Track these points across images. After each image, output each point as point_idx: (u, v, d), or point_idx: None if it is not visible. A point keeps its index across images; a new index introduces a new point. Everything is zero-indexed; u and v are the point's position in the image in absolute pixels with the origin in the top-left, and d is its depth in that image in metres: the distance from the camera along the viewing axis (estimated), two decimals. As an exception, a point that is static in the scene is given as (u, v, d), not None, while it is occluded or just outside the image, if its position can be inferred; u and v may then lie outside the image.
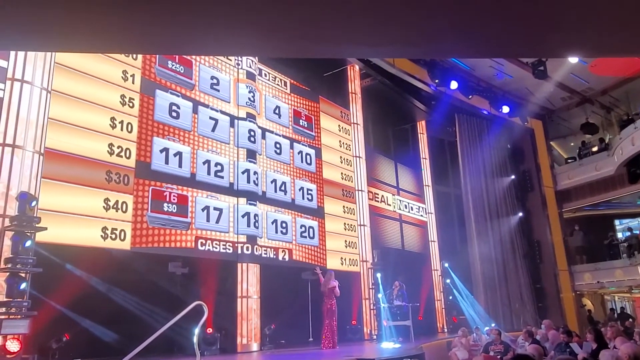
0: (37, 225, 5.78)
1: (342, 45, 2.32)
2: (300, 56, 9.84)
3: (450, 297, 13.47)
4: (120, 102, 7.45)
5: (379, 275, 10.92)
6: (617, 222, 17.25)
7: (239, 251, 8.59)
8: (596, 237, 16.00)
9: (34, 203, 5.85)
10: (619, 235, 16.53)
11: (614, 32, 2.02)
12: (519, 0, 1.79)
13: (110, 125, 7.24)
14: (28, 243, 5.67)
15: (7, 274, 5.58)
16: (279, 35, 2.10)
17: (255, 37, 2.11)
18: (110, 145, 7.18)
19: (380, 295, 10.83)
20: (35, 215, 5.81)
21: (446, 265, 13.74)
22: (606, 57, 11.28)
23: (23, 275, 5.63)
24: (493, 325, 11.10)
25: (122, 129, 7.37)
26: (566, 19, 1.91)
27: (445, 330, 13.07)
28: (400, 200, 13.62)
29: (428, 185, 14.80)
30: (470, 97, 13.62)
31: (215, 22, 1.90)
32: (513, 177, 15.82)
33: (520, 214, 15.52)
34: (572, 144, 17.22)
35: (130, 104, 7.58)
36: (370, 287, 10.97)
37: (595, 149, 15.43)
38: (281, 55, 9.45)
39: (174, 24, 1.94)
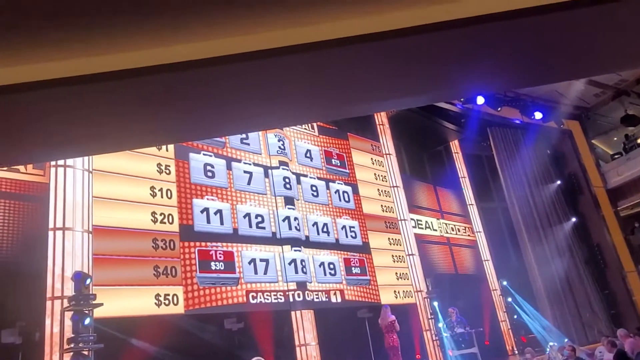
0: (93, 302, 5.96)
1: (372, 103, 2.40)
2: (331, 119, 10.14)
3: (515, 317, 12.88)
4: (157, 170, 7.72)
5: (436, 303, 10.63)
6: (679, 212, 16.32)
7: (291, 299, 8.57)
8: (660, 231, 15.13)
9: (88, 281, 6.05)
10: (684, 226, 15.61)
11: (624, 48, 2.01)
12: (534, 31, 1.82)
13: (150, 194, 7.49)
14: (87, 321, 5.84)
15: (71, 354, 5.74)
16: (307, 106, 2.18)
17: (286, 112, 2.20)
18: (153, 213, 7.41)
19: (440, 325, 10.52)
20: (90, 292, 6.00)
21: (505, 283, 13.21)
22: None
23: (86, 353, 5.78)
24: (566, 341, 10.54)
25: (162, 196, 7.61)
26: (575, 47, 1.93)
27: (516, 351, 12.47)
28: (446, 224, 13.36)
29: (472, 204, 14.47)
30: (499, 109, 13.44)
31: (248, 105, 2.00)
32: (559, 182, 15.30)
33: (574, 219, 14.91)
34: (615, 138, 16.58)
35: (167, 171, 7.85)
36: (429, 317, 10.67)
37: (640, 140, 14.83)
38: (311, 122, 9.81)
39: (208, 112, 2.04)
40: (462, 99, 12.56)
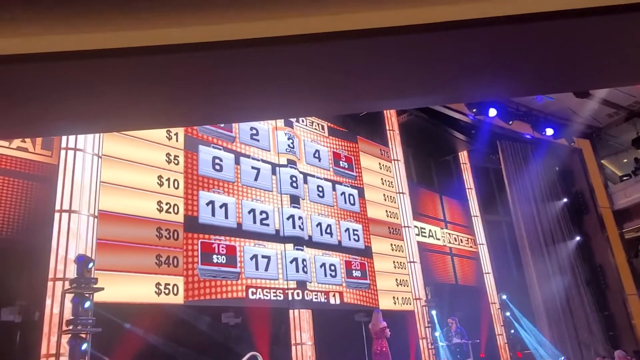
0: (94, 286, 5.99)
1: (382, 101, 2.40)
2: (339, 113, 10.17)
3: (512, 331, 12.84)
4: (166, 160, 7.74)
5: (434, 312, 10.60)
6: (684, 238, 16.18)
7: (290, 298, 8.57)
8: (664, 257, 15.04)
9: (90, 265, 6.08)
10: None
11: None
12: (551, 39, 1.80)
13: (158, 183, 7.51)
14: (87, 304, 5.87)
15: (69, 335, 5.76)
16: (316, 98, 2.17)
17: (294, 101, 2.20)
18: (159, 202, 7.43)
19: (437, 334, 10.49)
20: (92, 276, 6.03)
21: (504, 297, 13.18)
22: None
23: (84, 336, 5.80)
24: (562, 359, 10.49)
25: (169, 186, 7.63)
26: (588, 55, 1.91)
27: (511, 366, 12.43)
28: (449, 234, 13.32)
29: (477, 216, 14.42)
30: (510, 122, 13.39)
31: (260, 91, 2.00)
32: (565, 200, 15.22)
33: (578, 238, 14.82)
34: (625, 160, 16.48)
35: (176, 161, 7.87)
36: (426, 325, 10.64)
37: (650, 163, 14.73)
38: (317, 115, 9.83)
39: (222, 96, 2.04)
40: (474, 110, 12.52)
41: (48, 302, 5.90)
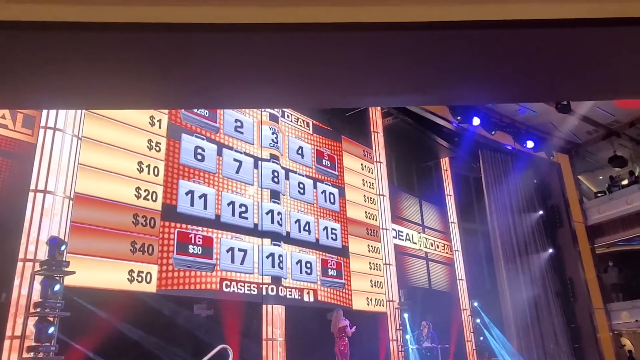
0: (65, 269, 5.88)
1: (366, 97, 2.39)
2: (323, 107, 10.18)
3: (481, 338, 13.01)
4: (147, 146, 7.64)
5: (406, 315, 10.68)
6: (653, 257, 16.61)
7: (264, 292, 8.54)
8: (632, 273, 15.40)
9: (63, 247, 5.96)
10: (656, 271, 15.89)
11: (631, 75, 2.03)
12: (536, 49, 1.83)
13: (137, 169, 7.41)
14: (57, 287, 5.76)
15: (37, 318, 5.65)
16: (298, 90, 2.16)
17: (277, 91, 2.18)
18: (138, 188, 7.33)
19: (408, 337, 10.57)
20: (64, 259, 5.92)
21: (475, 304, 13.34)
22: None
23: (51, 319, 5.70)
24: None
25: (148, 173, 7.53)
26: (580, 66, 1.94)
27: (477, 372, 12.59)
28: (426, 238, 13.43)
29: (454, 222, 14.57)
30: (493, 132, 13.55)
31: (243, 79, 1.98)
32: (541, 212, 15.48)
33: (551, 251, 15.09)
34: (600, 177, 16.85)
35: (157, 148, 7.77)
36: (398, 328, 10.71)
37: (625, 182, 15.06)
38: (298, 107, 9.82)
39: (204, 82, 2.02)
40: (458, 118, 12.64)
41: (16, 282, 5.77)
